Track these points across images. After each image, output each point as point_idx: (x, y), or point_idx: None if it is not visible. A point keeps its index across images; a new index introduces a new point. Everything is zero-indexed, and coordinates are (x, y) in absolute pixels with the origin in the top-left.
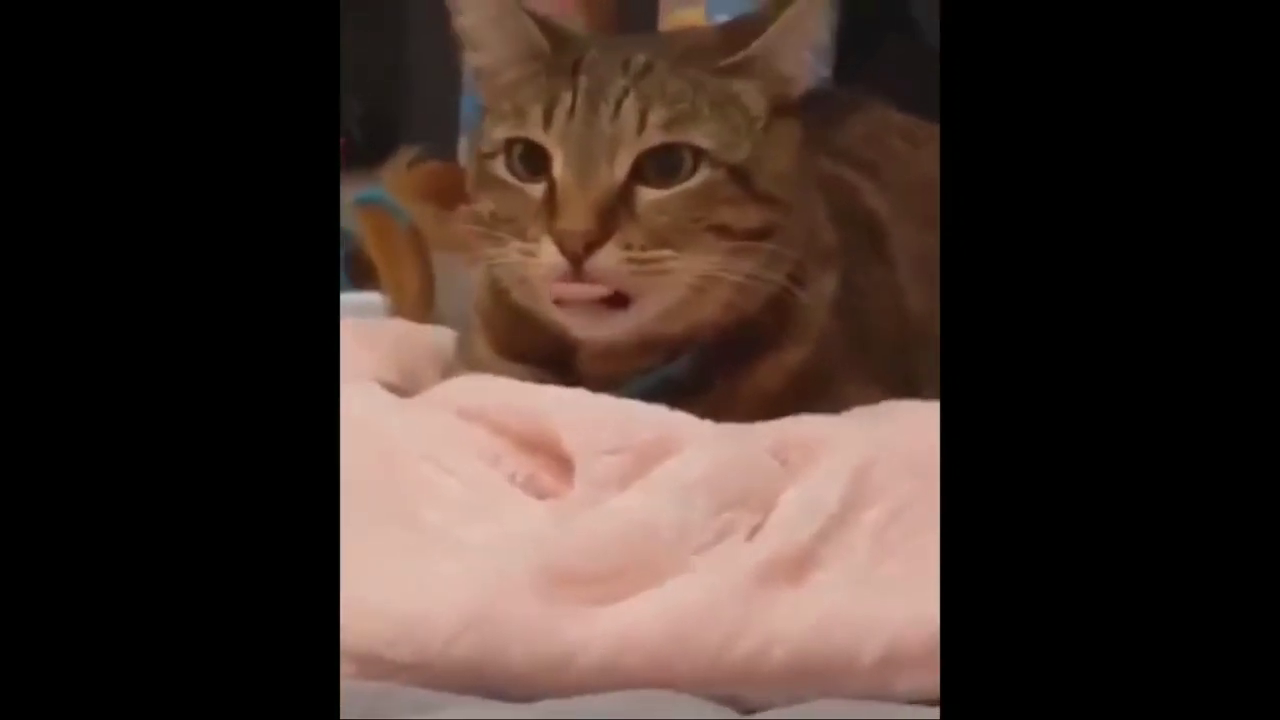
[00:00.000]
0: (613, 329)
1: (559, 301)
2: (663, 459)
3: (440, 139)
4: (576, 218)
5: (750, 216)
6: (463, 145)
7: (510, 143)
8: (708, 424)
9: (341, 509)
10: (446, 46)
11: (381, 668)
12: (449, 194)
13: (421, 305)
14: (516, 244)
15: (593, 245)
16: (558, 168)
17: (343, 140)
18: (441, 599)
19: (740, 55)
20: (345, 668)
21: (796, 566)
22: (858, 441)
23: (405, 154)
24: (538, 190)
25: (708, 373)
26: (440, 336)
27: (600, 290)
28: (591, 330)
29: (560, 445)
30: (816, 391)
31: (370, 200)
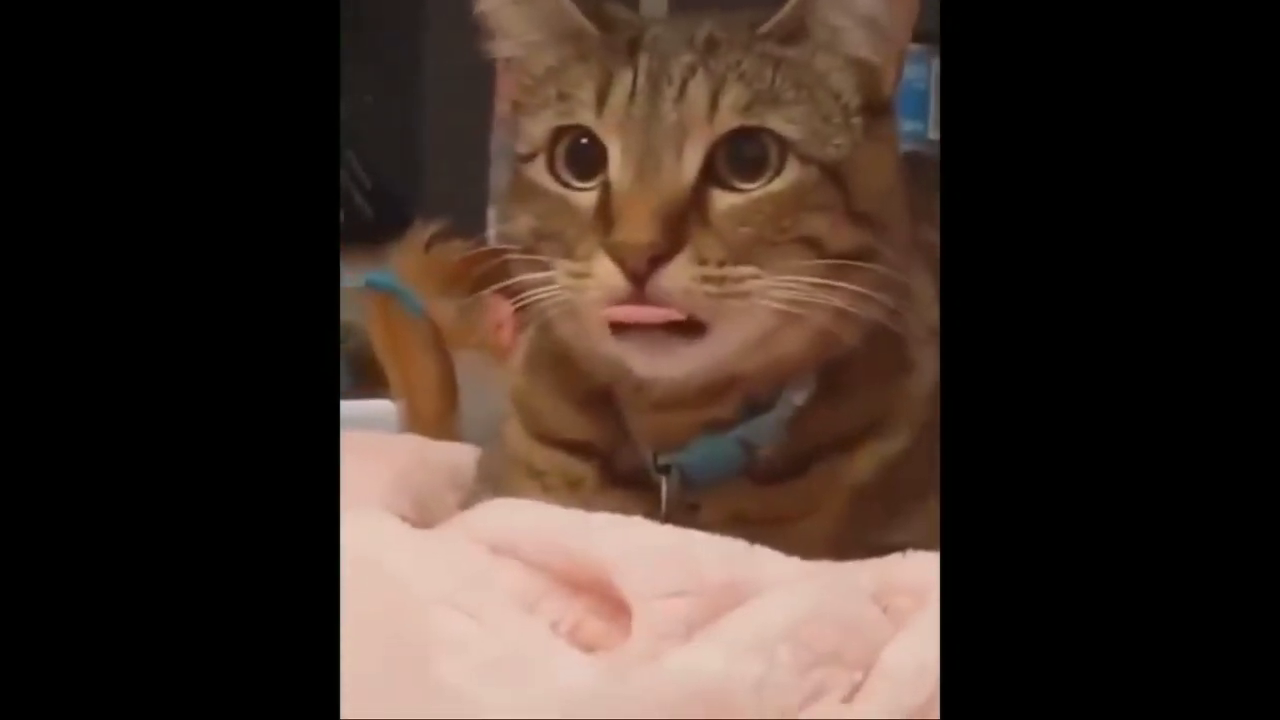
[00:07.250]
0: (684, 364)
1: (618, 329)
2: (738, 604)
3: (464, 213)
4: (637, 227)
5: (845, 236)
6: (492, 220)
7: (556, 135)
8: (793, 561)
9: (343, 670)
10: (472, 104)
11: None
12: (476, 281)
13: (440, 414)
14: (565, 264)
15: (658, 260)
16: (614, 165)
17: (342, 214)
18: None
19: (782, 13)
20: None
21: None
22: None
23: (421, 231)
24: (588, 197)
25: (800, 455)
26: (460, 455)
27: (667, 314)
28: (658, 366)
29: (612, 586)
30: (910, 491)
31: (379, 285)
